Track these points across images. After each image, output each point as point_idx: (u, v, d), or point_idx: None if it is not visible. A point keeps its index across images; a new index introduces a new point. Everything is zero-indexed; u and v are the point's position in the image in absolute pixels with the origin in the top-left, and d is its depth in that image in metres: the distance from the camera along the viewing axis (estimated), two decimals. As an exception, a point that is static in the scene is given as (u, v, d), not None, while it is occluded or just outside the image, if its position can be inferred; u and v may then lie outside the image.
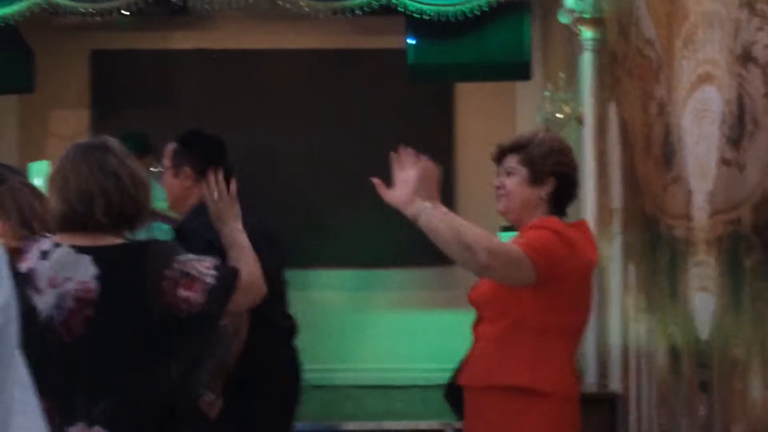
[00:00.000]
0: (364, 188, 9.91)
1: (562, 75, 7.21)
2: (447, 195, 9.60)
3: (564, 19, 6.84)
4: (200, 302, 2.87)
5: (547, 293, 3.49)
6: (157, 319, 2.85)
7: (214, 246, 3.61)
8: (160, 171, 4.65)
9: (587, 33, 6.70)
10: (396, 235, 9.25)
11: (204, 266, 2.93)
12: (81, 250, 2.87)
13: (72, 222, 2.93)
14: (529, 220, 3.64)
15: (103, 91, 9.18)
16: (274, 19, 8.51)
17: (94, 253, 2.86)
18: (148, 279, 2.86)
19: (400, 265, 8.81)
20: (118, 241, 2.93)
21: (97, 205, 2.91)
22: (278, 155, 9.08)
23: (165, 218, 6.01)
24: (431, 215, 3.44)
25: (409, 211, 3.46)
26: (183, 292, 2.87)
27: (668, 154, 5.02)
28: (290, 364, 4.71)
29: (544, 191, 3.63)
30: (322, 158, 9.03)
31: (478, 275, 3.61)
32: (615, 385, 6.09)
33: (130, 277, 2.87)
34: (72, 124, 9.09)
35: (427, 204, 3.45)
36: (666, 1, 5.10)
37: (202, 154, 4.41)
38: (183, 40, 9.11)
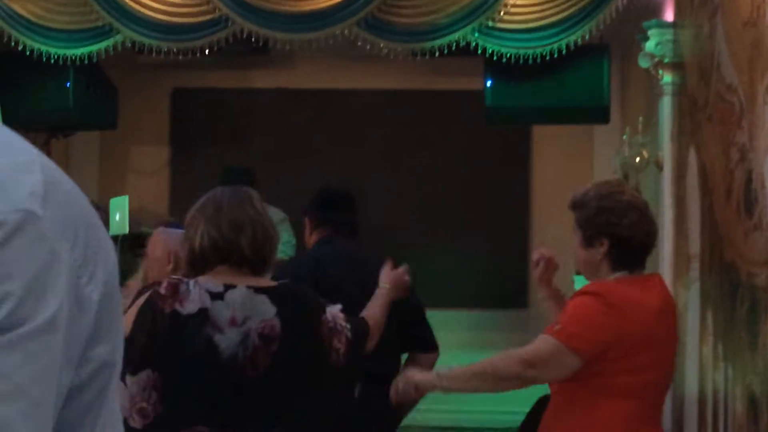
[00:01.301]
0: (440, 228, 9.93)
1: (640, 119, 7.17)
2: (523, 237, 9.61)
3: (644, 63, 6.80)
4: (345, 355, 3.02)
5: (600, 358, 3.45)
6: (320, 358, 3.02)
7: (300, 279, 4.05)
8: None
9: (667, 77, 6.66)
10: (469, 276, 9.27)
11: (340, 318, 3.07)
12: (257, 290, 2.95)
13: (219, 249, 3.02)
14: (598, 276, 3.60)
15: (183, 128, 9.32)
16: (353, 60, 8.58)
17: (268, 293, 2.98)
18: (313, 320, 3.02)
19: (473, 307, 8.79)
20: (274, 282, 3.05)
21: (245, 235, 3.01)
22: (355, 193, 9.11)
23: None
24: (446, 379, 3.51)
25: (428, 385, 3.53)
26: (336, 343, 3.04)
27: (749, 201, 4.96)
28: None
29: (600, 252, 3.56)
30: (399, 197, 9.06)
31: (532, 384, 3.61)
32: (691, 433, 6.01)
33: (302, 315, 3.03)
34: (152, 161, 9.23)
35: (441, 371, 3.53)
36: (748, 47, 5.05)
37: (314, 205, 5.03)
38: (263, 79, 9.22)
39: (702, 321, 5.86)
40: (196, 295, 2.94)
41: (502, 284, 8.82)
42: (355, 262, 4.80)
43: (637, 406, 3.47)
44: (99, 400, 1.22)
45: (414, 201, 9.02)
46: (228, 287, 2.97)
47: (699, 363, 5.91)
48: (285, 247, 7.70)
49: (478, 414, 8.37)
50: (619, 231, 3.54)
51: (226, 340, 2.91)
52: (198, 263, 3.04)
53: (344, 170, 9.03)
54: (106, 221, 7.83)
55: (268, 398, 2.93)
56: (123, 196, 7.92)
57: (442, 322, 9.01)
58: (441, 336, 9.15)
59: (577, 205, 3.63)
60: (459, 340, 8.81)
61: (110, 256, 1.22)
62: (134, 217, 8.11)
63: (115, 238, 6.35)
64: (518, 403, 4.41)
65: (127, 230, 6.79)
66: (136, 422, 2.83)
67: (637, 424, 3.49)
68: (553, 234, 7.53)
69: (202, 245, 3.03)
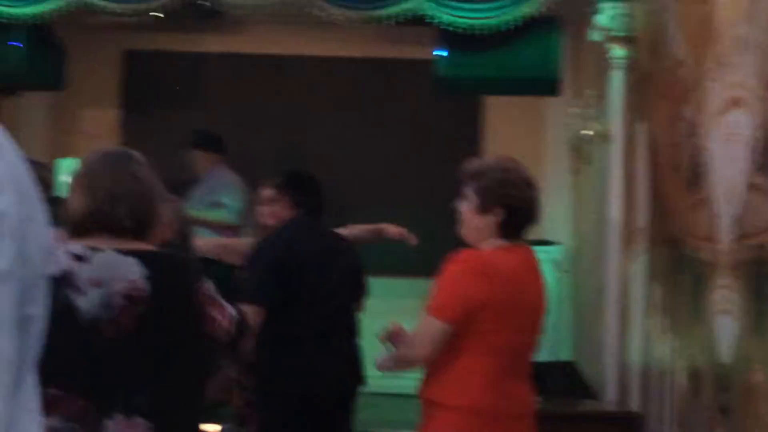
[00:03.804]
0: (389, 197, 9.91)
1: (591, 92, 7.20)
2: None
3: (595, 36, 6.83)
4: (226, 328, 3.01)
5: (469, 320, 3.70)
6: (192, 325, 2.98)
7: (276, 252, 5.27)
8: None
9: (618, 51, 6.69)
10: (417, 245, 9.29)
11: (222, 298, 3.08)
12: (125, 252, 2.92)
13: (95, 221, 2.97)
14: (483, 244, 3.75)
15: (133, 90, 9.24)
16: (304, 26, 8.54)
17: (139, 256, 2.93)
18: (189, 286, 2.98)
19: (420, 275, 8.81)
20: (153, 247, 3.00)
21: (124, 207, 2.96)
22: (304, 160, 9.10)
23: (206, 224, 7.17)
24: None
25: None
26: (212, 311, 3.02)
27: (696, 175, 5.01)
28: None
29: (493, 220, 3.72)
30: (347, 166, 9.05)
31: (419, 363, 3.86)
32: (635, 404, 6.08)
33: (175, 281, 3.00)
34: (102, 123, 9.15)
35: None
36: (698, 23, 5.09)
37: (291, 186, 5.54)
38: (214, 44, 9.16)
39: (648, 293, 5.93)
40: (60, 257, 2.91)
41: (449, 253, 8.84)
42: (323, 237, 5.55)
43: (495, 363, 3.70)
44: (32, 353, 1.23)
45: (362, 170, 9.02)
46: (94, 249, 2.93)
47: (644, 334, 5.98)
48: (224, 212, 7.70)
49: (400, 380, 8.43)
50: (516, 203, 3.70)
51: (87, 302, 2.86)
52: (77, 229, 3.00)
53: (293, 137, 9.01)
54: (51, 181, 7.75)
55: (134, 361, 2.88)
56: (70, 158, 7.85)
57: (389, 289, 9.06)
58: (388, 303, 9.17)
59: (476, 175, 3.79)
60: (405, 307, 8.84)
61: (43, 213, 1.22)
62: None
63: (60, 199, 6.29)
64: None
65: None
66: None
67: (494, 377, 3.72)
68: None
69: (79, 213, 2.99)
